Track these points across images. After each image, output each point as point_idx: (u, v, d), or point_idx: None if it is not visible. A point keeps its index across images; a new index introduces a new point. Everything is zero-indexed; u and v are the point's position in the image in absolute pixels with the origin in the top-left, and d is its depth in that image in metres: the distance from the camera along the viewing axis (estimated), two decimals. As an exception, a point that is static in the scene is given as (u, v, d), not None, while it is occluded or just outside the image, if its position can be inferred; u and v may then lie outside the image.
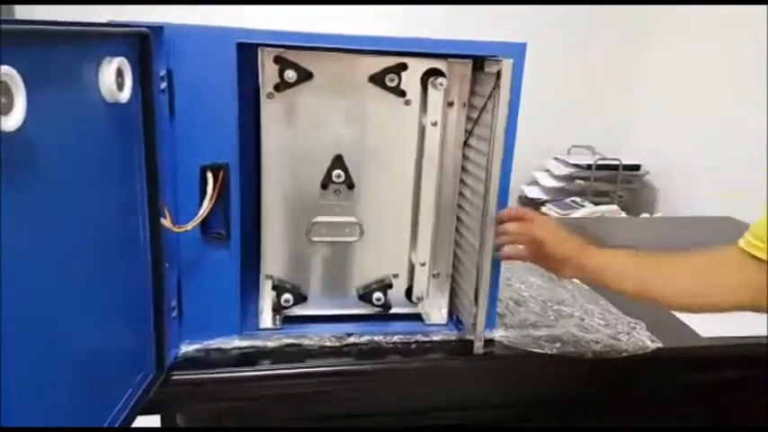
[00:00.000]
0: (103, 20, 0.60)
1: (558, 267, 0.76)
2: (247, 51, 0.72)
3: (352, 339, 0.79)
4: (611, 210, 2.17)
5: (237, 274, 0.76)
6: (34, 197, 0.44)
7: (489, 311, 0.77)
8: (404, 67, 0.76)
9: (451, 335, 0.82)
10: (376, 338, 0.80)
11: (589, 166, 2.44)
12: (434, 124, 0.78)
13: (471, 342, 0.79)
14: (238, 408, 0.73)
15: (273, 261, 0.80)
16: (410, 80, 0.77)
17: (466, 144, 0.80)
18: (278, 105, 0.75)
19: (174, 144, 0.70)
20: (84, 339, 0.54)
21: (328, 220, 0.80)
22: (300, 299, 0.81)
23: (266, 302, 0.81)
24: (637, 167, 2.49)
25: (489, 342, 0.79)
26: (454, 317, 0.85)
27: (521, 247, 0.77)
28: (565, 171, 2.45)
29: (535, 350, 0.77)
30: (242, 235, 0.76)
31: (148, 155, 0.61)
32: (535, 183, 2.57)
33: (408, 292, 0.85)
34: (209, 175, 0.72)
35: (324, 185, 0.79)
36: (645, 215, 2.22)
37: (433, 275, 0.84)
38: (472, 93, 0.79)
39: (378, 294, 0.83)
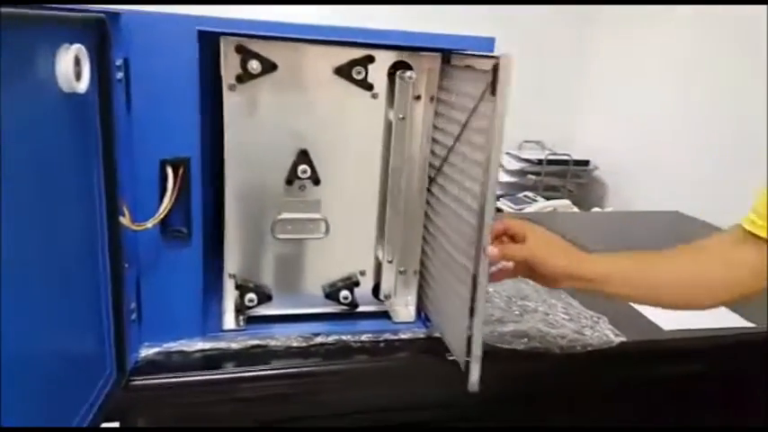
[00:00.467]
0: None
1: (553, 282, 0.72)
2: (210, 40, 0.69)
3: (319, 339, 0.77)
4: (564, 204, 2.21)
5: (200, 273, 0.73)
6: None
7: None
8: (371, 59, 0.75)
9: (420, 332, 0.81)
10: (344, 338, 0.78)
11: (540, 161, 2.48)
12: (402, 118, 0.76)
13: (439, 339, 0.79)
14: (202, 412, 0.70)
15: (236, 259, 0.77)
16: (377, 73, 0.75)
17: (434, 140, 0.79)
18: (240, 97, 0.72)
19: (132, 137, 0.66)
20: (42, 343, 0.50)
21: (293, 217, 0.78)
22: (265, 298, 0.79)
23: (229, 302, 0.78)
24: (586, 163, 2.54)
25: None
26: (422, 314, 0.84)
27: (509, 264, 0.73)
28: (516, 166, 2.48)
29: (503, 346, 0.77)
30: (203, 233, 0.73)
31: (106, 149, 0.57)
32: (488, 177, 2.59)
33: (375, 290, 0.83)
34: (170, 171, 0.68)
35: (289, 181, 0.76)
36: (596, 209, 2.26)
37: (400, 272, 0.83)
38: (440, 87, 0.77)
39: (345, 293, 0.81)
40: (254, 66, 0.70)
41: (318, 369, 0.74)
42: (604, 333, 0.81)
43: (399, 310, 0.84)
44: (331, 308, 0.82)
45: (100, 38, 0.55)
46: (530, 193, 2.41)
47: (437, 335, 0.80)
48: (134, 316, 0.70)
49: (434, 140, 0.79)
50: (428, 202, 0.81)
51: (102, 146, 0.57)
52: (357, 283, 0.82)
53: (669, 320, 0.86)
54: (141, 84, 0.65)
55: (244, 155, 0.74)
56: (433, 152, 0.80)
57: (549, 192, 2.49)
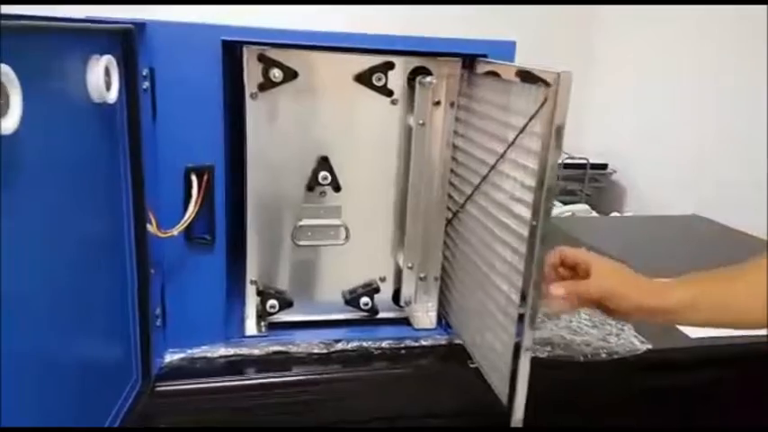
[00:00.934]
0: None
1: (625, 316, 0.68)
2: (232, 49, 0.70)
3: (340, 346, 0.78)
4: (582, 209, 2.19)
5: (223, 279, 0.74)
6: (23, 203, 0.41)
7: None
8: (391, 65, 0.75)
9: (441, 339, 0.81)
10: (364, 344, 0.78)
11: (557, 165, 2.46)
12: (422, 124, 0.76)
13: (460, 346, 0.79)
14: (225, 419, 0.71)
15: (258, 266, 0.78)
16: (397, 79, 0.75)
17: (455, 146, 0.79)
18: (262, 105, 0.73)
19: (157, 145, 0.67)
20: (69, 350, 0.51)
21: (314, 224, 0.78)
22: (286, 304, 0.79)
23: (251, 309, 0.79)
24: (604, 166, 2.52)
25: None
26: (443, 321, 0.84)
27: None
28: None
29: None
30: (226, 239, 0.73)
31: (133, 157, 0.58)
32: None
33: (396, 296, 0.83)
34: (194, 178, 0.69)
35: (309, 188, 0.77)
36: (615, 214, 2.25)
37: (421, 278, 0.83)
38: (462, 94, 0.77)
39: (365, 299, 0.81)
40: (276, 74, 0.71)
41: (339, 375, 0.74)
42: (630, 340, 0.80)
43: (420, 316, 0.83)
44: (351, 314, 0.82)
45: (127, 48, 0.56)
46: (548, 198, 2.39)
47: (458, 342, 0.80)
48: (159, 322, 0.70)
49: (455, 147, 0.79)
50: (449, 209, 0.81)
51: (130, 154, 0.58)
52: (377, 290, 0.82)
53: (695, 328, 0.85)
54: (167, 93, 0.66)
55: (265, 162, 0.74)
56: (454, 159, 0.80)
57: (567, 196, 2.48)
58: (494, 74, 0.70)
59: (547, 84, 0.57)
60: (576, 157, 2.50)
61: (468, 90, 0.77)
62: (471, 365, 0.75)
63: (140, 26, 0.61)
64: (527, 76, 0.62)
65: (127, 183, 0.59)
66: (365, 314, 0.82)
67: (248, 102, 0.72)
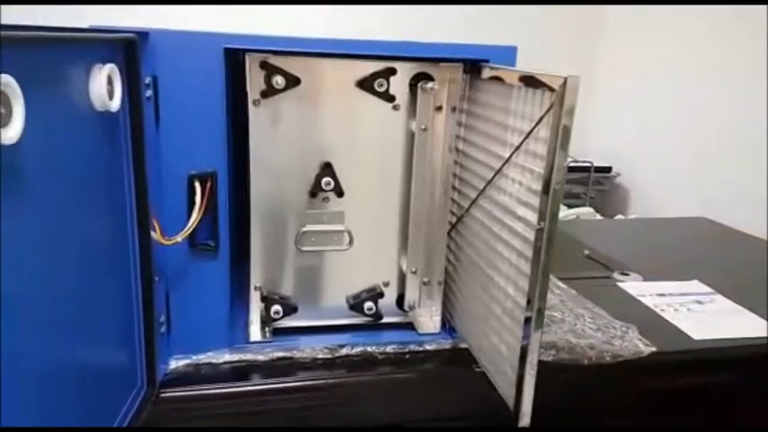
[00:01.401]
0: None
1: None
2: (234, 57, 0.70)
3: (344, 351, 0.78)
4: (587, 212, 2.19)
5: (227, 286, 0.74)
6: (26, 212, 0.42)
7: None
8: (393, 71, 0.75)
9: (445, 343, 0.81)
10: (369, 349, 0.78)
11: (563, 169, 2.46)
12: (424, 129, 0.77)
13: (465, 350, 0.79)
14: (231, 424, 0.71)
15: (262, 272, 0.78)
16: (398, 85, 0.76)
17: (458, 150, 0.79)
18: (265, 112, 0.73)
19: (160, 153, 0.67)
20: (75, 356, 0.51)
21: (317, 229, 0.78)
22: (290, 310, 0.79)
23: (255, 314, 0.79)
24: (608, 169, 2.52)
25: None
26: (447, 325, 0.84)
27: None
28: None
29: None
30: (229, 246, 0.73)
31: (137, 165, 0.58)
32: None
33: (399, 301, 0.83)
34: (197, 185, 0.69)
35: (312, 194, 0.77)
36: (619, 216, 2.24)
37: (424, 283, 0.83)
38: (466, 99, 0.78)
39: (369, 304, 0.81)
40: (279, 81, 0.72)
41: (344, 381, 0.74)
42: (634, 343, 0.80)
43: (424, 320, 0.84)
44: (355, 319, 0.82)
45: (130, 57, 0.56)
46: (551, 201, 2.39)
47: (463, 346, 0.80)
48: (163, 329, 0.71)
49: (458, 151, 0.80)
50: (452, 213, 0.82)
51: (133, 162, 0.58)
52: (381, 295, 0.82)
53: (699, 330, 0.85)
54: (170, 101, 0.67)
55: (268, 168, 0.75)
56: (457, 163, 0.80)
57: (571, 199, 2.47)
58: (498, 79, 0.70)
59: (552, 89, 0.58)
60: (579, 161, 2.50)
61: (471, 95, 0.77)
62: (477, 369, 0.75)
63: (143, 35, 0.61)
64: (532, 81, 0.62)
65: (130, 190, 0.59)
66: (369, 319, 0.82)
67: (251, 109, 0.72)
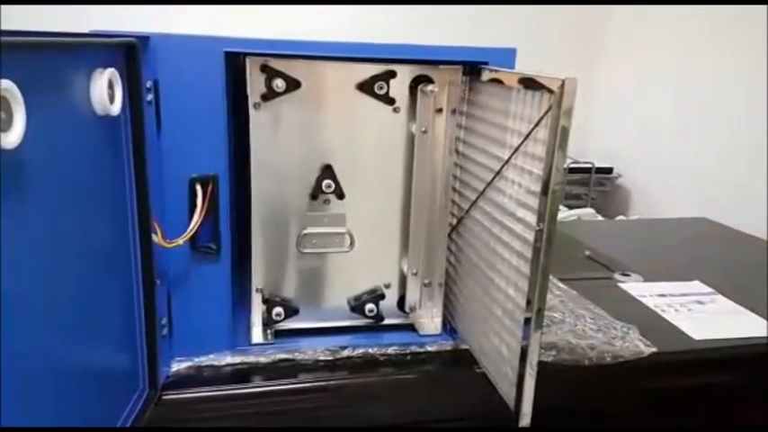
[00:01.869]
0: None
1: None
2: (234, 60, 0.71)
3: (346, 352, 0.78)
4: (587, 213, 2.19)
5: (229, 288, 0.74)
6: (27, 216, 0.42)
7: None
8: (392, 74, 0.75)
9: (446, 345, 0.81)
10: (370, 351, 0.78)
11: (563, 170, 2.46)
12: (424, 132, 0.77)
13: (466, 351, 0.79)
14: (233, 426, 0.71)
15: (263, 274, 0.78)
16: (398, 88, 0.76)
17: (458, 153, 0.80)
18: (265, 115, 0.73)
19: (162, 156, 0.68)
20: (77, 359, 0.52)
21: (318, 231, 0.79)
22: (292, 312, 0.80)
23: (257, 317, 0.79)
24: (609, 170, 2.52)
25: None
26: (448, 326, 0.84)
27: None
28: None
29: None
30: (231, 248, 0.74)
31: (138, 169, 0.59)
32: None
33: (400, 303, 0.84)
34: (199, 188, 0.70)
35: (313, 196, 0.77)
36: (621, 217, 2.24)
37: (425, 284, 0.83)
38: (466, 101, 0.78)
39: (370, 306, 0.81)
40: (279, 84, 0.72)
41: (346, 382, 0.74)
42: (635, 344, 0.80)
43: (425, 322, 0.84)
44: (357, 321, 0.82)
45: (131, 61, 0.57)
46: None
47: (464, 347, 0.80)
48: (165, 331, 0.71)
49: (458, 153, 0.80)
50: (452, 214, 0.82)
51: (135, 166, 0.59)
52: (382, 296, 0.82)
53: (700, 330, 0.85)
54: (170, 105, 0.67)
55: (269, 171, 0.75)
56: (457, 165, 0.80)
57: (572, 200, 2.48)
58: (497, 81, 0.70)
59: (551, 91, 0.58)
60: (580, 162, 2.50)
61: (471, 97, 0.78)
62: (477, 370, 0.75)
63: (144, 39, 0.62)
64: (531, 84, 0.62)
65: (131, 194, 0.59)
66: (370, 321, 0.82)
67: (252, 111, 0.73)
